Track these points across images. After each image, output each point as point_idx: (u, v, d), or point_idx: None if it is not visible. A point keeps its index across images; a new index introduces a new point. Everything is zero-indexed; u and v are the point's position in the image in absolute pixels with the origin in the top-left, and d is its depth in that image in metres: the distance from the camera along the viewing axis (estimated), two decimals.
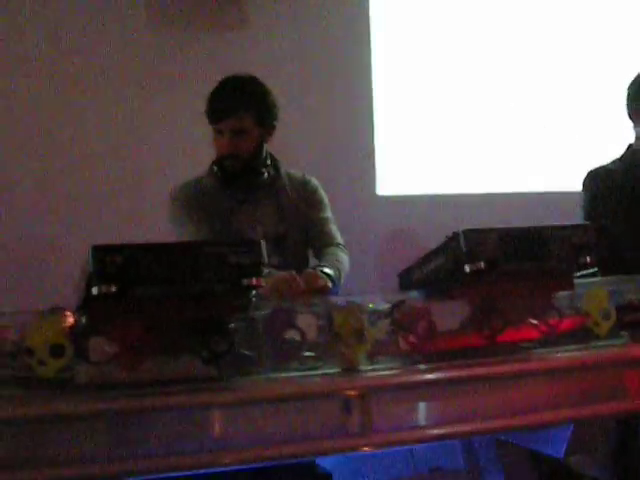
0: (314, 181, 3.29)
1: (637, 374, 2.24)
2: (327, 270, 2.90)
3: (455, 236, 2.05)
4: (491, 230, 2.04)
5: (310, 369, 1.99)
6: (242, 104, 3.03)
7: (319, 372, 1.98)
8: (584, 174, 3.54)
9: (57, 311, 1.95)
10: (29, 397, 1.81)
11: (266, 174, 3.15)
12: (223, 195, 3.13)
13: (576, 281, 2.22)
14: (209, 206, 3.11)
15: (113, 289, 1.74)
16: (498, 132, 5.08)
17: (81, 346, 1.88)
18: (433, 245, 2.17)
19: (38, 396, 1.80)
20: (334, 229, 3.23)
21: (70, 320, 1.88)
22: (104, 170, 4.33)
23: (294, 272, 2.78)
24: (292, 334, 1.96)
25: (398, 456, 3.40)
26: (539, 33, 5.14)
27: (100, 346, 1.86)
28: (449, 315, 2.10)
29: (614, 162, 3.55)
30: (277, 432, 1.90)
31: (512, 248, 2.04)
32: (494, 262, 2.02)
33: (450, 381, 2.05)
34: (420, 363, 2.05)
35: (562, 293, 2.24)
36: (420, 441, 2.15)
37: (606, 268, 2.35)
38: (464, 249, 2.01)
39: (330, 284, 2.85)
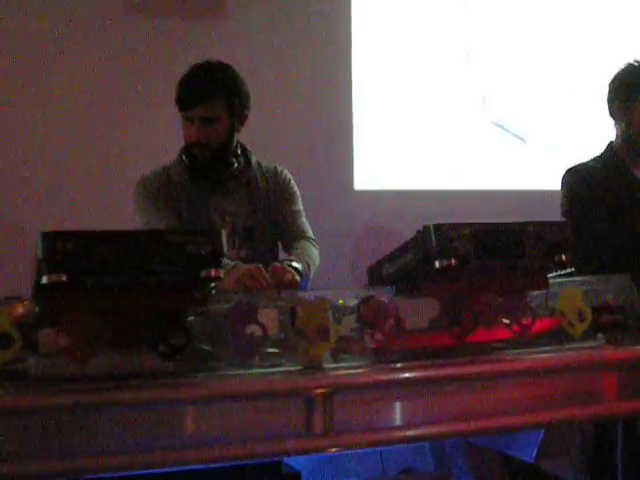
0: (286, 173, 3.22)
1: (612, 377, 2.20)
2: (295, 264, 2.84)
3: (425, 230, 1.98)
4: (463, 225, 1.98)
5: (272, 366, 1.93)
6: (213, 91, 2.95)
7: (281, 369, 1.92)
8: (563, 172, 3.50)
9: (9, 301, 1.88)
10: None
11: (236, 164, 3.07)
12: (191, 185, 3.05)
13: (551, 280, 2.17)
14: (177, 197, 3.04)
15: (63, 278, 1.67)
16: (478, 128, 5.03)
17: (32, 337, 1.82)
18: None
19: None
20: (305, 222, 3.16)
21: (19, 310, 1.80)
22: (72, 158, 4.24)
23: (261, 265, 2.71)
24: (253, 329, 1.89)
25: (368, 456, 3.34)
26: (523, 29, 5.10)
27: (50, 338, 1.79)
28: (418, 312, 2.05)
29: (594, 160, 3.50)
30: (236, 431, 1.84)
31: (485, 244, 1.98)
32: (465, 259, 1.96)
33: (418, 381, 2.00)
34: (387, 362, 1.99)
35: (536, 292, 2.18)
36: (386, 443, 2.10)
37: (583, 267, 2.29)
38: (434, 244, 1.95)
39: (298, 278, 2.78)
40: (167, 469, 1.82)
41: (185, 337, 1.83)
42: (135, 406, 1.75)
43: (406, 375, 1.96)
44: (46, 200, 4.14)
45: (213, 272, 1.76)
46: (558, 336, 2.20)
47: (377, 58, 4.86)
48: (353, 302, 2.07)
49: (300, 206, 3.18)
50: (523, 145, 5.09)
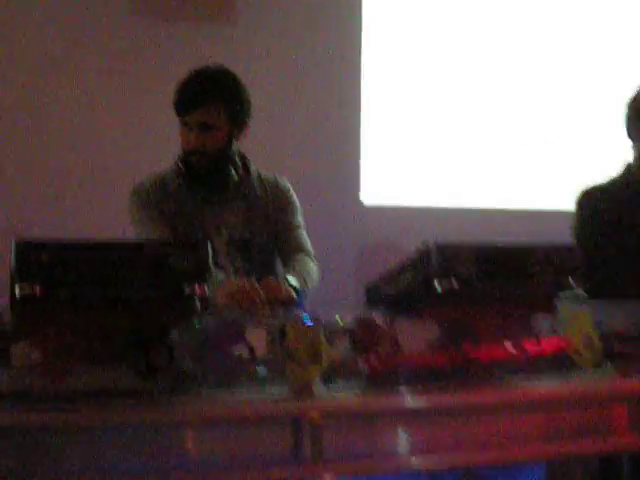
0: (286, 184, 3.13)
1: (623, 409, 2.10)
2: (291, 280, 2.75)
3: (425, 249, 1.90)
4: (466, 245, 1.89)
5: (259, 389, 1.84)
6: (211, 96, 2.87)
7: (268, 393, 1.83)
8: (578, 192, 3.40)
9: None
10: None
11: (234, 173, 2.99)
12: (187, 194, 2.97)
13: (559, 304, 2.08)
14: (172, 205, 2.95)
15: (36, 290, 1.59)
16: (489, 144, 4.94)
17: (4, 351, 1.74)
18: None
19: None
20: (304, 236, 3.06)
21: None
22: (71, 160, 4.18)
23: (254, 280, 2.62)
24: (240, 349, 1.81)
25: None
26: (538, 42, 5.00)
27: (23, 352, 1.72)
28: (416, 336, 1.96)
29: (611, 181, 3.41)
30: (219, 458, 1.76)
31: (489, 267, 1.90)
32: (468, 281, 1.87)
33: (414, 409, 1.90)
34: (381, 387, 1.90)
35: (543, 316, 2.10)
36: (377, 472, 2.00)
37: (592, 292, 2.21)
38: (435, 265, 1.87)
39: (294, 295, 2.69)
40: None
41: (166, 355, 1.75)
42: (108, 428, 1.67)
43: (402, 402, 1.88)
44: (44, 204, 4.08)
45: (197, 288, 1.67)
46: (565, 363, 2.11)
47: (386, 70, 4.77)
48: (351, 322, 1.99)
49: (300, 219, 3.09)
50: (537, 163, 4.99)
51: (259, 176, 3.09)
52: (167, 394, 1.77)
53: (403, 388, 1.89)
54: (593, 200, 3.33)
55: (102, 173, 4.19)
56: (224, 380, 1.83)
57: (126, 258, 1.64)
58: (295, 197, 3.11)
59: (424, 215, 4.74)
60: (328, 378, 1.88)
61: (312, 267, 2.96)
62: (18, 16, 4.19)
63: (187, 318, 1.76)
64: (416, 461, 1.92)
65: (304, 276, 2.84)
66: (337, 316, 2.09)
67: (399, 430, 1.89)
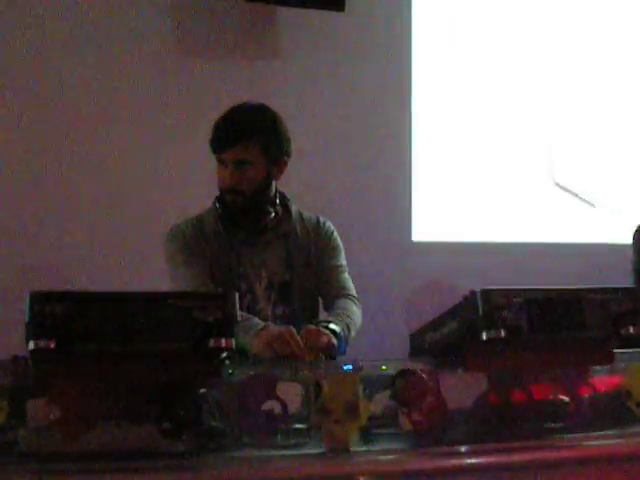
0: (329, 225, 3.03)
1: None
2: (333, 326, 2.64)
3: (471, 297, 1.80)
4: (514, 291, 1.79)
5: (292, 448, 1.75)
6: (247, 132, 2.79)
7: (302, 452, 1.74)
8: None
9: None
10: None
11: (273, 214, 2.91)
12: (225, 235, 2.89)
13: (617, 354, 1.96)
14: (209, 247, 2.87)
15: (52, 345, 1.52)
16: (542, 178, 4.84)
17: (20, 408, 1.67)
18: None
19: None
20: (347, 279, 2.96)
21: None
22: (110, 200, 4.16)
23: (293, 327, 2.53)
24: (272, 405, 1.72)
25: None
26: (592, 92, 4.92)
27: (40, 409, 1.64)
28: (462, 389, 1.85)
29: None
30: None
31: (539, 314, 1.79)
32: (517, 330, 1.76)
33: (462, 469, 1.79)
34: (425, 446, 1.80)
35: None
36: None
37: None
38: (481, 313, 1.76)
39: (335, 342, 2.60)
40: None
41: (193, 412, 1.66)
42: None
43: (447, 462, 1.77)
44: (74, 252, 4.04)
45: (223, 342, 1.59)
46: (623, 417, 1.99)
47: (437, 105, 4.71)
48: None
49: (343, 261, 2.99)
50: (593, 195, 4.88)
51: (300, 216, 3.00)
52: (194, 454, 1.69)
53: (449, 447, 1.78)
54: None
55: (142, 216, 4.14)
56: (255, 439, 1.74)
57: (147, 309, 1.57)
58: (338, 238, 3.02)
59: (478, 250, 4.64)
60: (367, 435, 1.79)
61: (355, 311, 2.86)
62: (62, 49, 4.18)
63: (213, 372, 1.67)
64: None
65: (346, 321, 2.74)
66: (383, 366, 1.99)
67: None
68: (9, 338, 2.05)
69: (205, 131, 2.91)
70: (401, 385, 1.81)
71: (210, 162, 2.91)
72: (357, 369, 1.92)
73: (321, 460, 1.73)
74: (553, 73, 4.86)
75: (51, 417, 1.63)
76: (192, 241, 2.89)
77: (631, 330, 1.86)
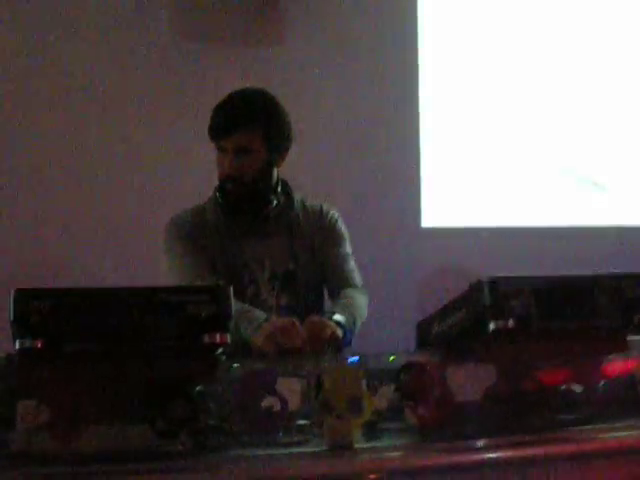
0: (333, 213, 2.97)
1: None
2: (337, 316, 2.58)
3: (478, 285, 1.74)
4: (522, 279, 1.73)
5: (294, 446, 1.70)
6: (247, 119, 2.73)
7: (303, 450, 1.70)
8: None
9: None
10: None
11: (275, 202, 2.85)
12: (226, 225, 2.84)
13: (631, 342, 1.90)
14: (210, 237, 2.82)
15: (39, 344, 1.47)
16: (555, 158, 4.76)
17: (10, 409, 1.62)
18: None
19: None
20: (352, 267, 2.89)
21: None
22: (107, 190, 4.11)
23: (295, 319, 2.48)
24: (271, 402, 1.67)
25: None
26: (601, 57, 4.84)
27: (30, 411, 1.59)
28: (470, 381, 1.79)
29: None
30: None
31: (549, 302, 1.72)
32: (526, 319, 1.70)
33: (470, 465, 1.73)
34: (432, 442, 1.75)
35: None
36: None
37: None
38: (488, 302, 1.70)
39: (340, 333, 2.54)
40: None
41: (188, 411, 1.61)
42: None
43: (457, 458, 1.71)
44: (73, 247, 4.00)
45: (218, 337, 1.54)
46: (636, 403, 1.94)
47: (446, 88, 4.64)
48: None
49: (348, 249, 2.93)
50: (609, 177, 4.82)
51: (303, 205, 2.94)
52: (191, 454, 1.64)
53: (457, 442, 1.73)
54: None
55: (142, 203, 4.10)
56: (255, 437, 1.69)
57: (138, 305, 1.51)
58: (342, 226, 2.96)
59: (489, 236, 4.57)
60: (371, 431, 1.73)
61: (360, 300, 2.80)
62: (56, 44, 4.13)
63: (209, 369, 1.62)
64: None
65: (351, 311, 2.68)
66: (391, 357, 1.94)
67: None
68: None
69: (206, 119, 2.86)
70: (406, 378, 1.76)
71: (213, 150, 2.87)
72: (363, 361, 1.87)
73: (324, 458, 1.67)
74: (563, 57, 4.77)
75: (41, 418, 1.57)
76: (192, 232, 2.84)
77: None
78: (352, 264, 2.91)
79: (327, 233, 2.91)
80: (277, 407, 1.68)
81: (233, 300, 2.54)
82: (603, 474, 1.81)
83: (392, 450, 1.73)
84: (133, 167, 4.16)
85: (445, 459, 1.71)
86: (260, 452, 1.67)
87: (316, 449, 1.69)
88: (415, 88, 4.59)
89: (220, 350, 1.60)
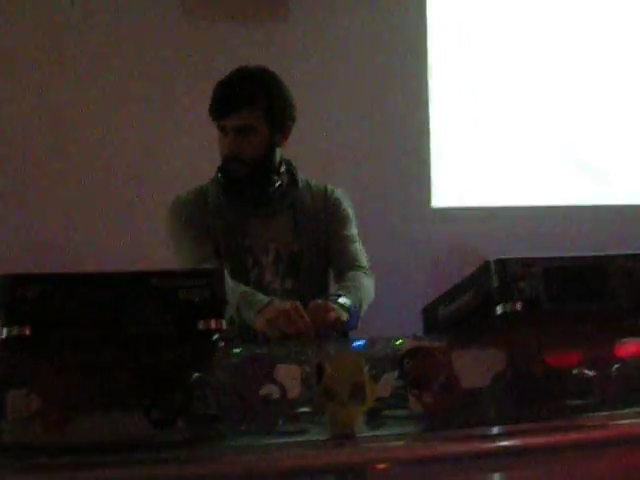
0: (338, 193, 2.92)
1: None
2: (342, 300, 2.53)
3: (485, 267, 1.68)
4: (531, 260, 1.67)
5: (294, 435, 1.65)
6: (248, 98, 2.68)
7: (303, 439, 1.64)
8: None
9: None
10: None
11: (279, 183, 2.80)
12: (229, 206, 2.79)
13: None
14: (213, 219, 2.78)
15: (27, 332, 1.43)
16: (566, 137, 4.70)
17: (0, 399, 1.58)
18: None
19: None
20: (358, 249, 2.84)
21: None
22: (111, 167, 4.09)
23: (299, 302, 2.43)
24: (270, 390, 1.62)
25: None
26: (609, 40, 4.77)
27: (19, 400, 1.55)
28: (477, 367, 1.74)
29: None
30: None
31: (559, 284, 1.67)
32: (534, 302, 1.65)
33: (478, 454, 1.67)
34: (436, 429, 1.70)
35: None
36: None
37: None
38: (495, 284, 1.65)
39: (344, 317, 2.49)
40: None
41: (183, 399, 1.56)
42: None
43: (459, 447, 1.65)
44: (81, 230, 3.98)
45: (213, 323, 1.49)
46: None
47: (456, 66, 4.59)
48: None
49: (353, 230, 2.88)
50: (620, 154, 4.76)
51: (308, 186, 2.89)
52: (187, 444, 1.59)
53: (463, 430, 1.68)
54: None
55: (147, 184, 4.06)
56: (254, 426, 1.64)
57: (129, 291, 1.46)
58: (348, 207, 2.91)
59: (501, 215, 4.53)
60: (374, 419, 1.69)
61: (366, 283, 2.74)
62: (70, 17, 4.12)
63: (204, 356, 1.57)
64: None
65: (357, 294, 2.63)
66: (398, 341, 1.89)
67: None
68: None
69: (207, 97, 2.82)
70: (410, 364, 1.70)
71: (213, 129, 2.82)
72: (369, 345, 1.83)
73: (326, 447, 1.62)
74: (570, 45, 4.73)
75: (31, 408, 1.53)
76: (194, 214, 2.81)
77: None
78: (357, 245, 2.86)
79: (332, 214, 2.87)
80: (276, 395, 1.63)
81: (234, 283, 2.56)
82: (617, 462, 1.76)
83: (396, 439, 1.67)
84: (139, 147, 4.14)
85: (451, 448, 1.65)
86: (259, 441, 1.62)
87: (317, 438, 1.64)
88: (424, 67, 4.54)
89: (216, 336, 1.55)
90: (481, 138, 4.60)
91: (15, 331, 1.44)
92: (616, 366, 1.87)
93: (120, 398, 1.56)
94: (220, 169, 2.78)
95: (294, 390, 1.66)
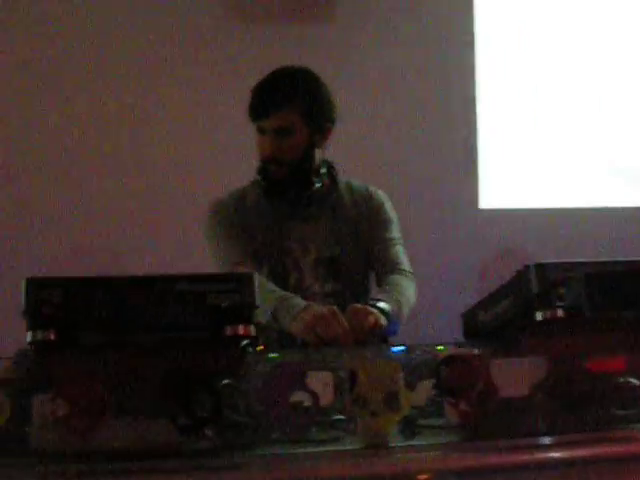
0: (380, 194, 2.87)
1: None
2: (382, 304, 2.48)
3: (524, 272, 1.63)
4: (573, 265, 1.62)
5: (326, 444, 1.62)
6: (287, 98, 2.64)
7: (336, 448, 1.61)
8: None
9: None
10: None
11: (319, 184, 2.76)
12: (268, 208, 2.76)
13: None
14: (252, 222, 2.75)
15: (52, 336, 1.41)
16: (615, 138, 4.63)
17: (26, 404, 1.57)
18: None
19: None
20: (400, 252, 2.78)
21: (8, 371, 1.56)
22: (151, 171, 4.11)
23: (336, 307, 2.39)
24: (301, 397, 1.59)
25: None
26: None
27: (46, 405, 1.53)
28: (516, 375, 1.69)
29: None
30: None
31: (602, 290, 1.61)
32: (577, 309, 1.59)
33: (517, 466, 1.63)
34: (473, 440, 1.66)
35: None
36: None
37: None
38: (535, 290, 1.60)
39: (384, 322, 2.44)
40: None
41: (213, 406, 1.53)
42: None
43: (498, 458, 1.61)
44: (124, 233, 3.99)
45: (241, 329, 1.46)
46: None
47: (504, 66, 4.56)
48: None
49: (395, 233, 2.83)
50: None
51: (349, 187, 2.85)
52: (215, 452, 1.56)
53: (502, 441, 1.63)
54: None
55: (184, 184, 4.08)
56: (285, 434, 1.61)
57: (155, 296, 1.44)
58: (390, 208, 2.86)
59: (551, 217, 4.49)
60: (408, 428, 1.64)
61: (408, 287, 2.69)
62: (107, 18, 4.15)
63: (233, 362, 1.54)
64: None
65: (397, 298, 2.58)
66: (439, 347, 1.84)
67: None
68: None
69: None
70: (447, 372, 1.66)
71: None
72: (409, 352, 1.79)
73: (359, 457, 1.59)
74: (616, 51, 4.69)
75: (57, 413, 1.51)
76: (233, 216, 2.78)
77: None
78: (400, 249, 2.81)
79: (373, 216, 2.82)
80: (308, 402, 1.59)
81: (271, 287, 2.53)
82: None
83: (430, 449, 1.63)
84: (177, 148, 4.14)
85: (487, 460, 1.61)
86: (289, 450, 1.59)
87: (350, 447, 1.60)
88: (471, 65, 4.49)
89: (245, 342, 1.52)
90: (522, 139, 4.56)
91: (40, 335, 1.42)
92: None
93: (147, 404, 1.54)
94: (260, 170, 2.76)
95: (326, 397, 1.62)
